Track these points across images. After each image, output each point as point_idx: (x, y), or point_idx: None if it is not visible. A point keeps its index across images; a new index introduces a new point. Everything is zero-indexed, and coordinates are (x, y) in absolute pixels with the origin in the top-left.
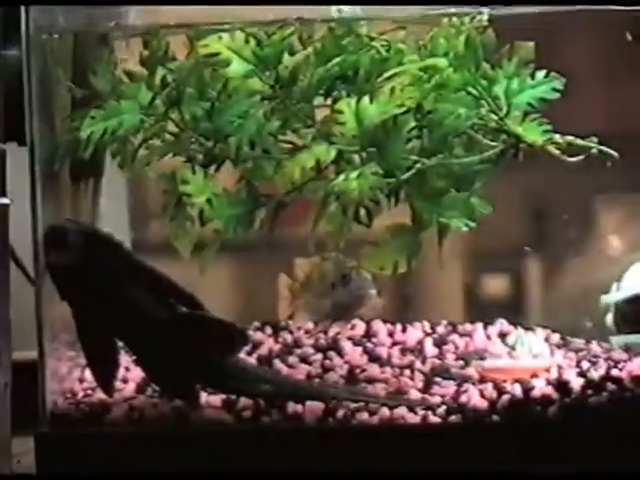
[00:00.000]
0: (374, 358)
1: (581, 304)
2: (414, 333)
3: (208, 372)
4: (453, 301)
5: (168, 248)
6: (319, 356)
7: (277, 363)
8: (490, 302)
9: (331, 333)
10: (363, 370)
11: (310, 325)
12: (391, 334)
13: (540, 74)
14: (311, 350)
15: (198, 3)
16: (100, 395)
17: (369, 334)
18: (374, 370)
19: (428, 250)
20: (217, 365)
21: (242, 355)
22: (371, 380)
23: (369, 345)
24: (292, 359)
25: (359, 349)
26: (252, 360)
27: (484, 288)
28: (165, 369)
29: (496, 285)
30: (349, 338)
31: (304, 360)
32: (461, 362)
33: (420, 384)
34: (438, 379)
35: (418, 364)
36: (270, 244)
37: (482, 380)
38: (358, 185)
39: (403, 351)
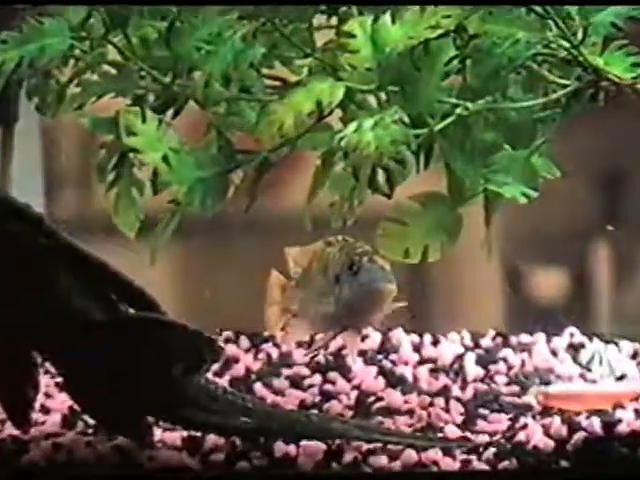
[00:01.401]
0: (394, 381)
1: None
2: (450, 347)
3: (164, 399)
4: (503, 303)
5: (104, 227)
6: (317, 378)
7: (259, 387)
8: (554, 304)
9: (334, 347)
10: (379, 398)
11: (304, 335)
12: (417, 348)
13: None
14: (306, 370)
15: (198, 3)
16: (11, 430)
17: (387, 348)
18: (394, 398)
19: (469, 231)
20: (177, 389)
21: (211, 376)
22: (390, 412)
23: (387, 363)
24: (279, 382)
25: (373, 369)
26: (224, 383)
27: (545, 285)
28: (104, 394)
29: (561, 281)
30: (359, 354)
31: (296, 384)
32: (516, 387)
33: (459, 417)
34: (484, 410)
35: (456, 390)
36: (251, 223)
37: (546, 411)
38: (375, 138)
39: (435, 372)
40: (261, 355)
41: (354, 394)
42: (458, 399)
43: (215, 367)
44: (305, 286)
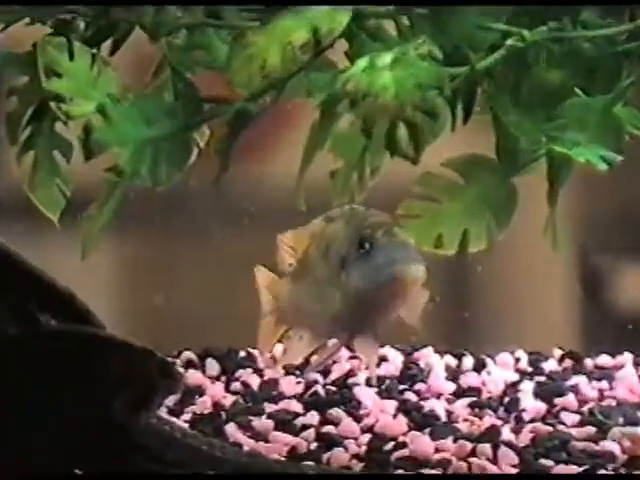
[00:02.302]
0: (421, 421)
1: None
2: (499, 373)
3: (100, 444)
4: (574, 313)
5: (16, 205)
6: (313, 417)
7: (232, 429)
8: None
9: (337, 370)
10: (400, 444)
11: (306, 351)
12: (454, 376)
13: None
14: (298, 405)
15: (198, 3)
16: None
17: (411, 374)
18: (422, 444)
19: (525, 211)
20: (118, 431)
21: (165, 413)
22: (417, 461)
23: (411, 396)
24: (261, 422)
25: (391, 404)
26: (182, 424)
27: (634, 289)
28: (17, 436)
29: None
30: (369, 383)
31: (285, 424)
32: (592, 428)
33: (511, 470)
34: (547, 461)
35: (507, 433)
36: (222, 201)
37: (635, 461)
38: (394, 80)
39: (478, 407)
40: (235, 385)
41: (365, 438)
42: (510, 445)
43: (172, 400)
44: (301, 280)
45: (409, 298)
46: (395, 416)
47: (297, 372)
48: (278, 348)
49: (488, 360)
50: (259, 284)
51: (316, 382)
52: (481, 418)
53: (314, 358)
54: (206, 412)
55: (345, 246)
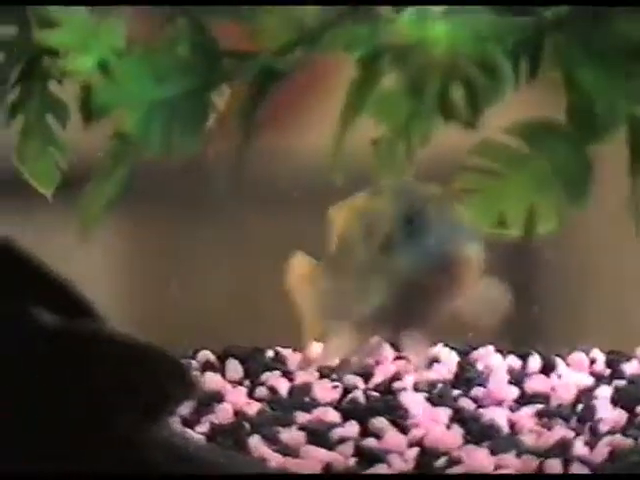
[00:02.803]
0: (478, 432)
1: None
2: (571, 377)
3: (103, 460)
4: None
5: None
6: (352, 427)
7: (256, 442)
8: None
9: (380, 373)
10: (455, 460)
11: (346, 349)
12: (518, 379)
13: None
14: (334, 413)
15: (198, 3)
16: None
17: (466, 376)
18: (478, 459)
19: (603, 186)
20: (124, 445)
21: (178, 424)
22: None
23: (467, 403)
24: (290, 434)
25: (444, 412)
26: (198, 436)
27: None
28: (10, 449)
29: None
30: (418, 388)
31: (318, 436)
32: None
33: None
34: None
35: (579, 446)
36: (245, 175)
37: None
38: (447, 31)
39: (545, 417)
40: (261, 390)
41: (413, 453)
42: (584, 461)
43: (186, 408)
44: (340, 265)
45: (467, 285)
46: (449, 427)
47: (334, 375)
48: (313, 347)
49: (558, 361)
50: (293, 273)
51: (356, 387)
52: (549, 429)
53: (353, 358)
54: (226, 422)
55: (390, 224)
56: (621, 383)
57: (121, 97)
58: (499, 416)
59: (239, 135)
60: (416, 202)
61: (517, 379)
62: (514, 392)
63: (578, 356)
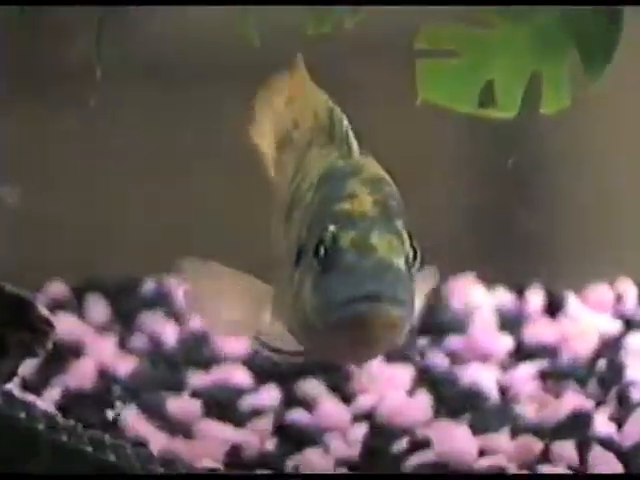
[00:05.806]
0: (455, 400)
1: None
2: (587, 317)
3: None
4: None
5: None
6: (271, 394)
7: (131, 416)
8: None
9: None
10: (419, 443)
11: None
12: (510, 324)
13: None
14: (245, 373)
15: (198, 3)
16: None
17: (436, 318)
18: (454, 437)
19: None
20: None
21: (18, 389)
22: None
23: (438, 357)
24: (180, 404)
25: (403, 370)
26: (46, 406)
27: None
28: None
29: None
30: None
31: (220, 407)
32: None
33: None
34: None
35: (600, 421)
36: None
37: None
38: None
39: (551, 377)
40: (137, 338)
41: (360, 431)
42: (608, 444)
43: (30, 367)
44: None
45: (385, 344)
46: (411, 393)
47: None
48: None
49: (570, 297)
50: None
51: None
52: (558, 396)
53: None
54: (86, 387)
55: (304, 231)
56: None
57: None
58: (485, 378)
59: None
60: (330, 222)
61: (510, 324)
62: (506, 343)
63: (598, 290)
